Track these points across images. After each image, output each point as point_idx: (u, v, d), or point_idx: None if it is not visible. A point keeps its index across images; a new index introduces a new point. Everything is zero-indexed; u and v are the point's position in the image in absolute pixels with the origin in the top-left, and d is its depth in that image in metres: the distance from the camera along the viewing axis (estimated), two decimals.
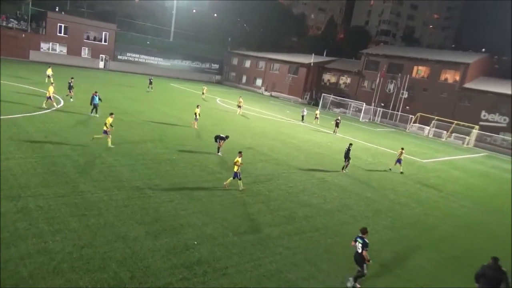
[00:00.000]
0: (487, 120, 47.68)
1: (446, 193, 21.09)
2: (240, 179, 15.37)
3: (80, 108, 26.09)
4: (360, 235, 9.90)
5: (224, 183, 15.49)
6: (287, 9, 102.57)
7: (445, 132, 48.05)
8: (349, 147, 21.88)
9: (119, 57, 65.85)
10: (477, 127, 46.82)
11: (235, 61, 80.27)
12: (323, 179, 19.59)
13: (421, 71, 56.06)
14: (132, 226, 10.88)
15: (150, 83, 43.44)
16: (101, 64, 63.86)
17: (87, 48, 62.44)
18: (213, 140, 20.67)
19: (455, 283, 11.06)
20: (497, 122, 47.13)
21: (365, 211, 15.89)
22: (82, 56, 62.07)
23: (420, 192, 20.39)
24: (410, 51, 63.78)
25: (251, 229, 12.17)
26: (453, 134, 47.39)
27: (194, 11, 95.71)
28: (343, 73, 66.02)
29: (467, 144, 45.88)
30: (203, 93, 45.58)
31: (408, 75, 55.43)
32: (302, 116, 40.45)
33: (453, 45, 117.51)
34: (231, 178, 15.41)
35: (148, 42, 70.92)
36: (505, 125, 46.47)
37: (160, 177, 15.43)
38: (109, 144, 18.29)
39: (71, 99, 28.61)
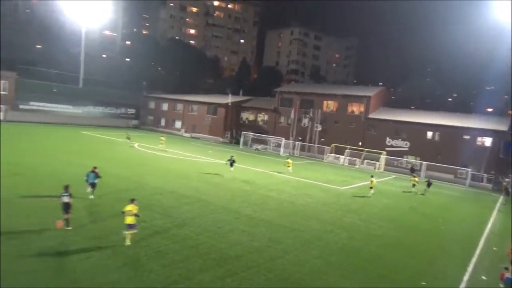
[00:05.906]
0: (391, 146, 52.67)
1: (365, 216, 22.33)
2: (134, 231, 13.68)
3: None
4: None
5: (126, 241, 13.43)
6: (200, 52, 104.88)
7: (358, 159, 51.77)
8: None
9: (20, 106, 60.59)
10: (384, 152, 51.41)
11: (152, 105, 78.89)
12: (250, 215, 19.51)
13: (330, 105, 60.54)
14: None
15: (128, 138, 46.62)
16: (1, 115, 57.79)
17: None
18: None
19: None
20: (400, 146, 52.30)
21: (294, 243, 16.02)
22: None
23: (343, 218, 21.29)
24: (319, 88, 69.07)
25: (181, 277, 11.45)
26: (365, 161, 51.24)
27: (104, 56, 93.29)
28: (260, 110, 68.56)
29: (378, 168, 49.87)
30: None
31: (320, 110, 59.51)
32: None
33: (355, 81, 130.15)
34: (128, 231, 13.46)
35: (54, 90, 66.58)
36: (407, 149, 51.74)
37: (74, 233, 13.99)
38: None
39: None
